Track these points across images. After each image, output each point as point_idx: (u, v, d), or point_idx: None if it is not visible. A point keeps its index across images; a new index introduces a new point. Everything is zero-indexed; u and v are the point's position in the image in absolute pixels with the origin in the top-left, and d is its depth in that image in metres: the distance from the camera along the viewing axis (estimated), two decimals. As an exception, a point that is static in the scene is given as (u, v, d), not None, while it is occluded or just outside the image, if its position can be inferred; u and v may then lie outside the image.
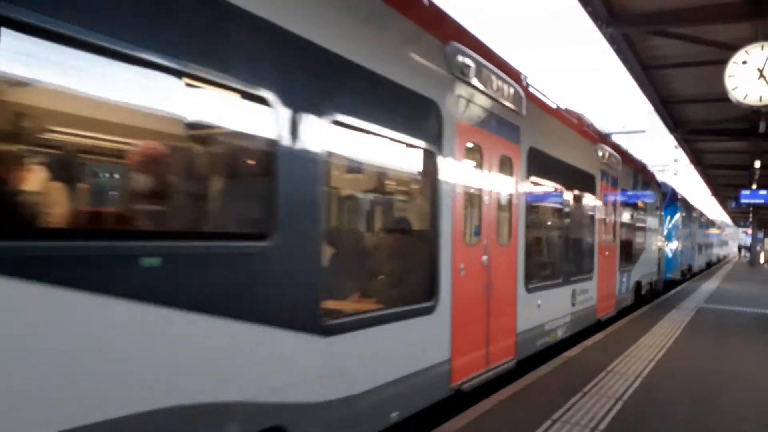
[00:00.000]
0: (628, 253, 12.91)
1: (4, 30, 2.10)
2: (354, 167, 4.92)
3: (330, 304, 3.86)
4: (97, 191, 2.98)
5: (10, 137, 2.38)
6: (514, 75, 6.69)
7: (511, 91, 6.39)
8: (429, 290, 4.91)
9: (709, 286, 21.47)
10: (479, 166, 5.85)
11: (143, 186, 2.89)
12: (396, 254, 5.18)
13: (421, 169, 4.99)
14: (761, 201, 21.16)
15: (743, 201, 21.52)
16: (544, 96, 7.90)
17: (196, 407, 2.79)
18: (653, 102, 14.39)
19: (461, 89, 5.35)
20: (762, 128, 13.95)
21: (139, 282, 2.54)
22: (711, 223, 42.97)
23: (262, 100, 3.19)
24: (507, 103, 6.26)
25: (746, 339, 9.84)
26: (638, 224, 14.14)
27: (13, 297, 2.11)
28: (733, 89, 8.46)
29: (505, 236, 6.50)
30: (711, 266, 40.37)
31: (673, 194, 22.63)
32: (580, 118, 9.93)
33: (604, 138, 11.69)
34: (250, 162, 3.59)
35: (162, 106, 2.91)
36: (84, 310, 2.33)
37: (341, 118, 3.82)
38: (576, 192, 9.08)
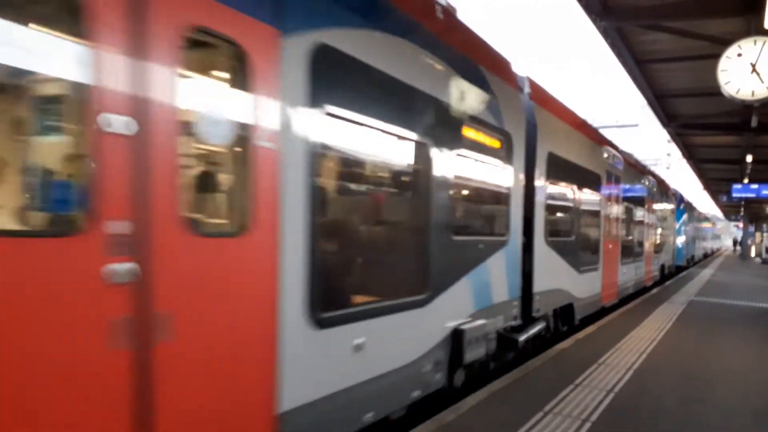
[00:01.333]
0: (658, 245, 19.21)
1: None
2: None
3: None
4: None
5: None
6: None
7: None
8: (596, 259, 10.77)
9: (701, 278, 21.64)
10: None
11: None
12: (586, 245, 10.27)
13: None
14: (753, 195, 21.31)
15: (735, 195, 21.66)
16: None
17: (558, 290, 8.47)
18: (646, 96, 14.43)
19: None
20: (754, 122, 14.02)
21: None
22: (707, 220, 47.71)
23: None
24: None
25: (736, 331, 9.93)
26: (663, 225, 20.34)
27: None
28: (725, 84, 8.49)
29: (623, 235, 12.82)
30: (707, 257, 46.04)
31: (681, 199, 27.28)
32: (632, 159, 15.16)
33: (651, 171, 18.23)
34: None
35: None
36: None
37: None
38: (637, 204, 15.07)
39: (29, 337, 2.13)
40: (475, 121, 5.61)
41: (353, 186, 4.42)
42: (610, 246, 11.74)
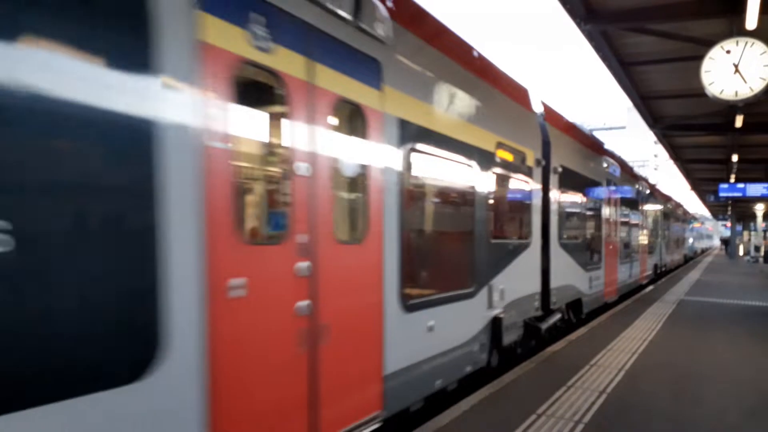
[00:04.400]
0: (676, 243, 28.68)
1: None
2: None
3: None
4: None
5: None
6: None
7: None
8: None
9: (691, 278, 21.80)
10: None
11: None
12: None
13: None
14: (739, 194, 21.50)
15: (722, 194, 21.85)
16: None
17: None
18: (632, 98, 14.55)
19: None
20: (738, 122, 14.19)
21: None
22: (700, 223, 58.71)
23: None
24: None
25: (726, 330, 10.01)
26: (679, 231, 30.29)
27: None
28: (709, 84, 8.58)
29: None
30: (702, 252, 58.94)
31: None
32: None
33: (665, 195, 24.26)
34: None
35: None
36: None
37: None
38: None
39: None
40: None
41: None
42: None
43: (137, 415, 2.46)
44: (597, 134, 21.04)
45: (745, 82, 8.30)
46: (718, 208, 51.72)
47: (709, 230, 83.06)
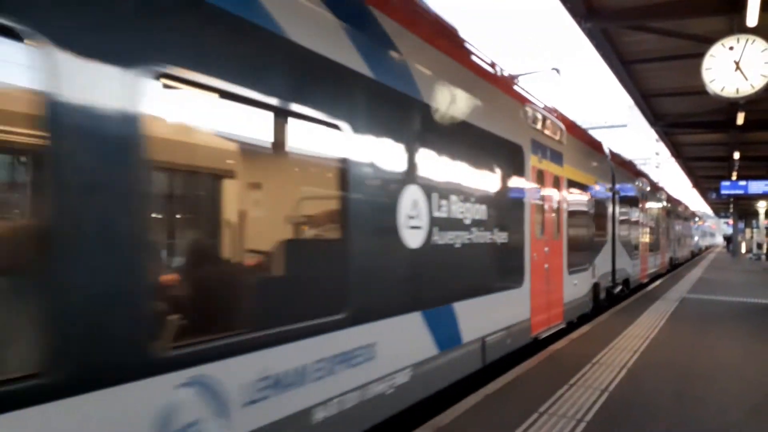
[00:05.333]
0: (686, 240, 35.86)
1: None
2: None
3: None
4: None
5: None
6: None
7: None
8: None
9: (693, 275, 21.77)
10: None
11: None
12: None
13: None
14: (741, 192, 21.46)
15: (723, 192, 21.80)
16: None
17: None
18: (633, 96, 14.53)
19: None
20: (740, 120, 14.16)
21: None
22: (702, 221, 64.72)
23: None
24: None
25: (729, 328, 10.00)
26: (688, 231, 37.45)
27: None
28: (710, 82, 8.57)
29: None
30: (707, 249, 70.93)
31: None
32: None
33: (678, 200, 28.85)
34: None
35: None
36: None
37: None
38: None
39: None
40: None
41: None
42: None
43: (519, 297, 7.27)
44: (598, 133, 21.21)
45: (746, 79, 8.29)
46: (720, 206, 51.64)
47: (713, 228, 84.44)
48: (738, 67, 8.31)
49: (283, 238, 3.76)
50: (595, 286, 11.12)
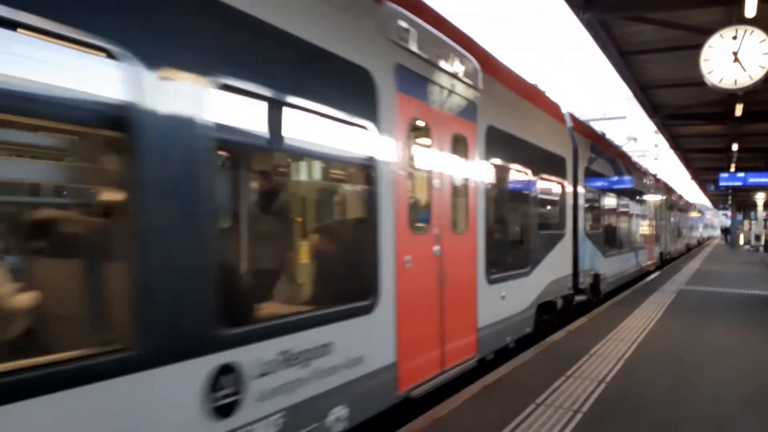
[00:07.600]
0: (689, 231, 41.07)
1: None
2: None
3: None
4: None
5: None
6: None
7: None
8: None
9: (691, 267, 21.82)
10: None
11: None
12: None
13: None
14: (739, 183, 21.44)
15: (722, 184, 21.78)
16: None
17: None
18: (632, 87, 14.51)
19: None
20: (738, 111, 14.14)
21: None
22: (701, 213, 66.13)
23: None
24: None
25: (725, 319, 10.03)
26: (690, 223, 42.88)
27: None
28: (708, 73, 8.56)
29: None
30: (708, 239, 72.92)
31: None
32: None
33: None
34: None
35: None
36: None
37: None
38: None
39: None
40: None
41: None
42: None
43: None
44: (597, 125, 20.97)
45: (745, 70, 8.28)
46: (718, 198, 51.71)
47: (711, 220, 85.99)
48: (736, 58, 8.30)
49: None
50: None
